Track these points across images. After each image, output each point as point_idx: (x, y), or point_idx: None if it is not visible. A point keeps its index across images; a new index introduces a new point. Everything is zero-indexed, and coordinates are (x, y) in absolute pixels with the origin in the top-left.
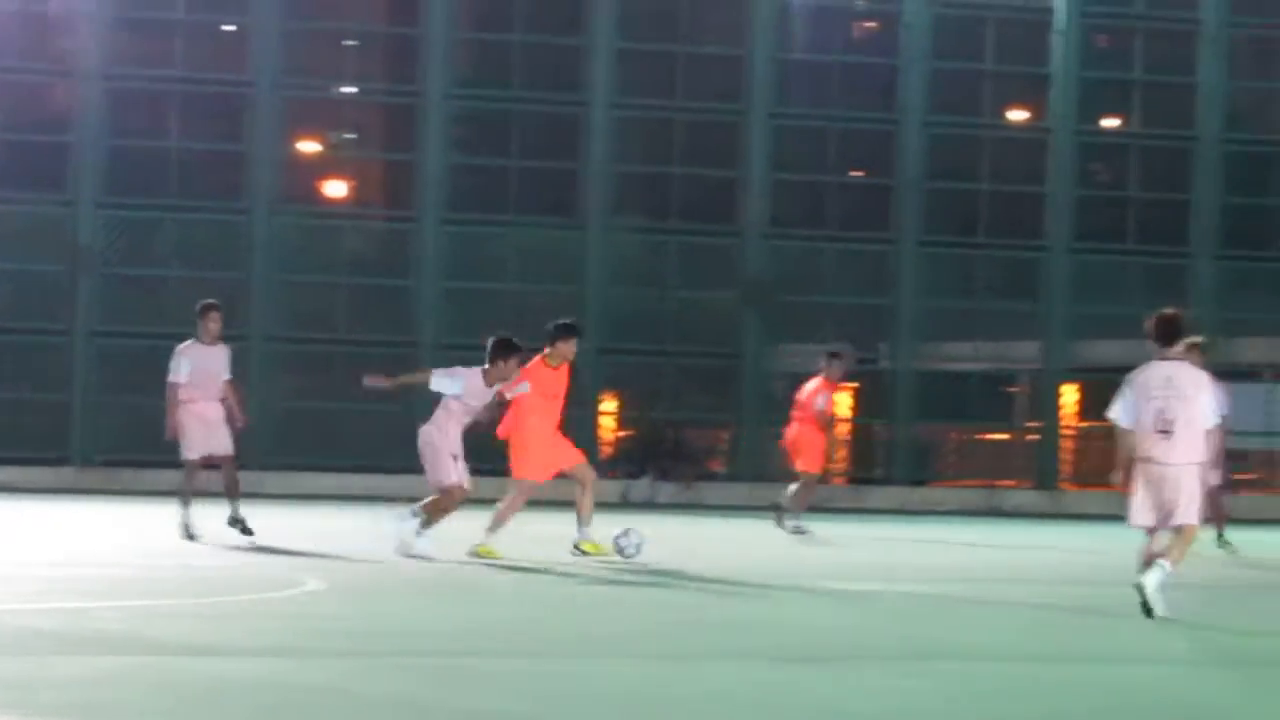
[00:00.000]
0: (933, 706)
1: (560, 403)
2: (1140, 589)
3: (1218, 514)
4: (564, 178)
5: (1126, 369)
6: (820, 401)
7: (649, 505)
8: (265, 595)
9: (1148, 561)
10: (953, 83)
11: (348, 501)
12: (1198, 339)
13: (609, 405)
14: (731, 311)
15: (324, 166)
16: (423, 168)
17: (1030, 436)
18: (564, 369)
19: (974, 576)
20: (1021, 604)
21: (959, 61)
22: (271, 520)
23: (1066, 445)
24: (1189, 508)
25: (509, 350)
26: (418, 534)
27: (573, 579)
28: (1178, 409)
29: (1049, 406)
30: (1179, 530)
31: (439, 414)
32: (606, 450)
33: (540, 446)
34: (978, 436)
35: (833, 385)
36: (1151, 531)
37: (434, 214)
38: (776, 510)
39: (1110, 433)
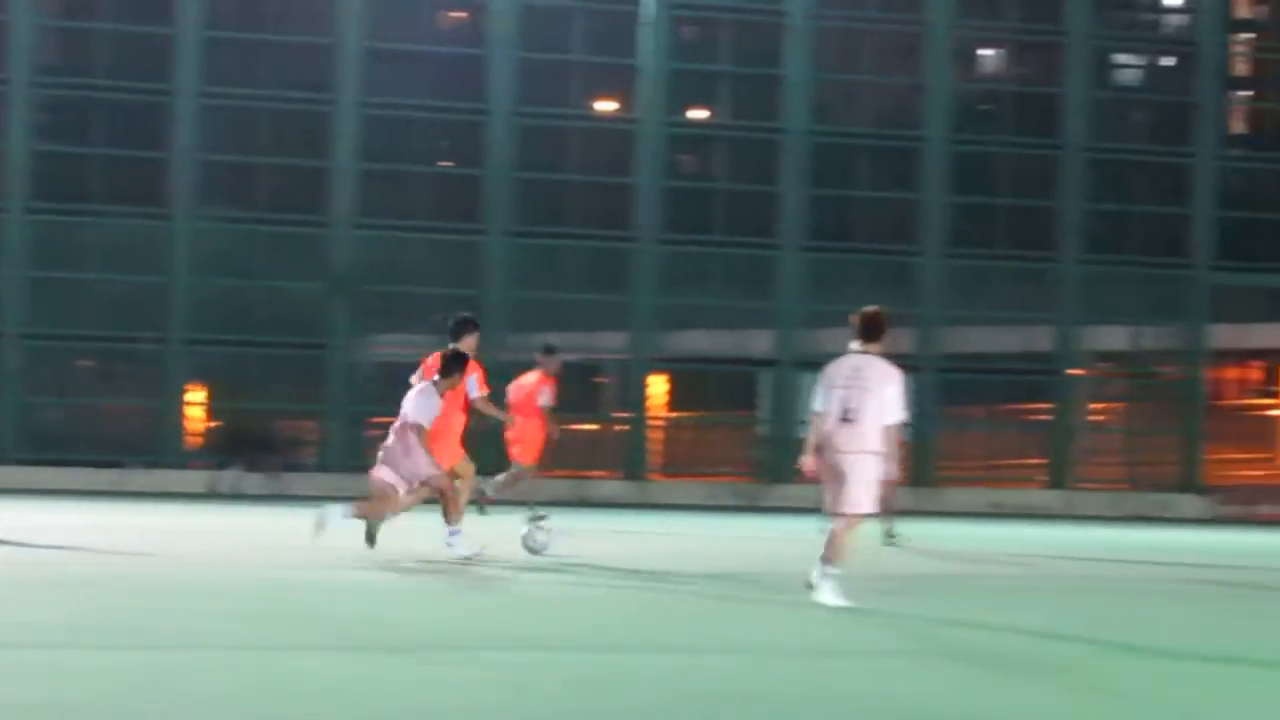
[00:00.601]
0: (499, 698)
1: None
2: (809, 584)
3: (888, 507)
4: (151, 166)
5: (713, 360)
6: (545, 397)
7: (237, 496)
8: None
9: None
10: (541, 73)
11: None
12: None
13: (196, 395)
14: (319, 302)
15: None
16: (8, 156)
17: (619, 427)
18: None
19: (570, 565)
20: (619, 593)
21: (547, 53)
22: None
23: (655, 435)
24: (860, 496)
25: (466, 361)
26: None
27: (172, 570)
28: (860, 400)
29: (637, 397)
30: (847, 518)
31: (397, 435)
32: (193, 441)
33: (453, 437)
34: (566, 427)
35: (551, 379)
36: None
37: (19, 203)
38: (480, 497)
39: (698, 423)
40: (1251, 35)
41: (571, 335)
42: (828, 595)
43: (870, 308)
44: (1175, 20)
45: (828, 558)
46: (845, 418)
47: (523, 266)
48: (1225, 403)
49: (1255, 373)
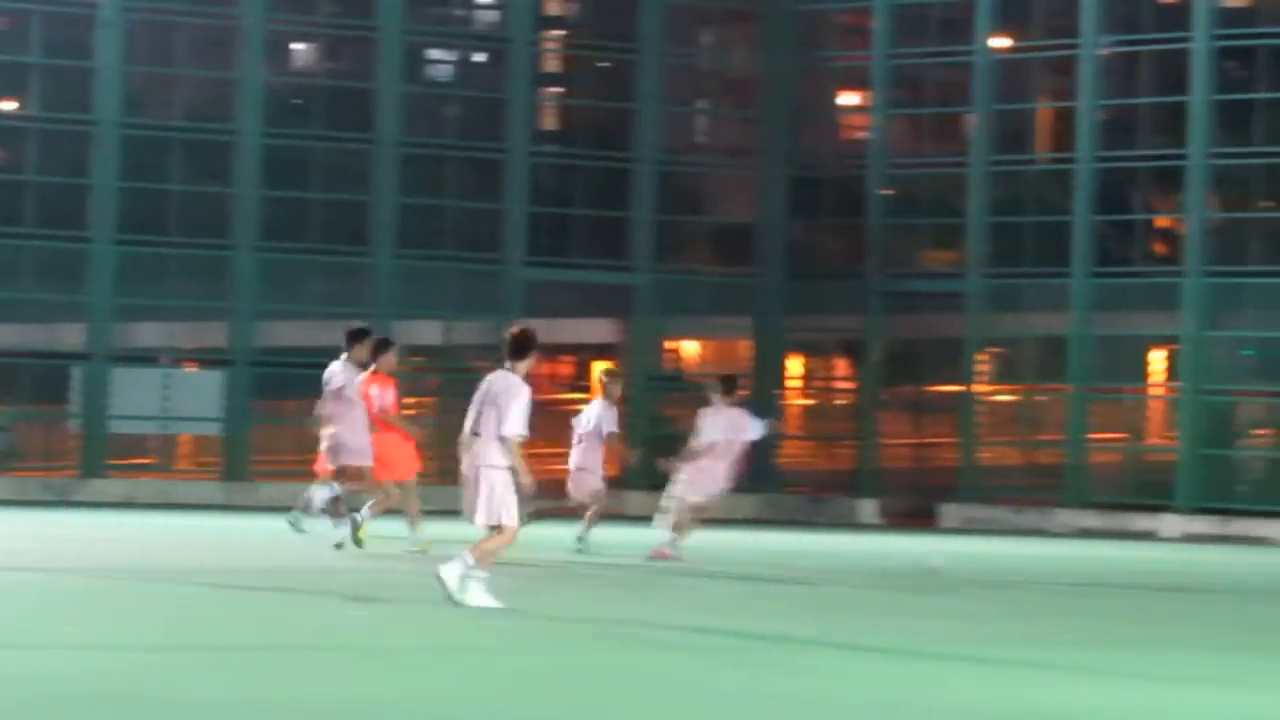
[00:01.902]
0: None
1: None
2: (440, 579)
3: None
4: None
5: (23, 354)
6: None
7: None
8: None
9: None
10: None
11: None
12: (613, 369)
13: None
14: None
15: None
16: None
17: None
18: None
19: None
20: None
21: None
22: None
23: None
24: (489, 508)
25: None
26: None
27: None
28: (487, 414)
29: None
30: (493, 529)
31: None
32: None
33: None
34: None
35: (387, 378)
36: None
37: None
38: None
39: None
40: (563, 32)
41: None
42: (477, 597)
43: (516, 327)
44: (487, 16)
45: (472, 562)
46: (474, 431)
47: None
48: (538, 397)
49: (566, 367)
